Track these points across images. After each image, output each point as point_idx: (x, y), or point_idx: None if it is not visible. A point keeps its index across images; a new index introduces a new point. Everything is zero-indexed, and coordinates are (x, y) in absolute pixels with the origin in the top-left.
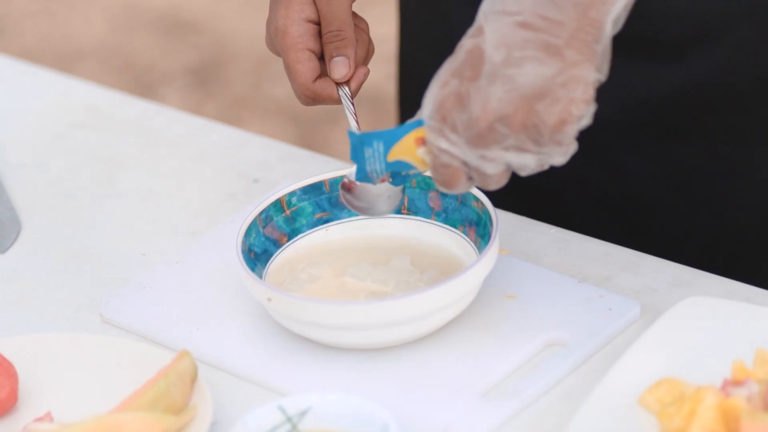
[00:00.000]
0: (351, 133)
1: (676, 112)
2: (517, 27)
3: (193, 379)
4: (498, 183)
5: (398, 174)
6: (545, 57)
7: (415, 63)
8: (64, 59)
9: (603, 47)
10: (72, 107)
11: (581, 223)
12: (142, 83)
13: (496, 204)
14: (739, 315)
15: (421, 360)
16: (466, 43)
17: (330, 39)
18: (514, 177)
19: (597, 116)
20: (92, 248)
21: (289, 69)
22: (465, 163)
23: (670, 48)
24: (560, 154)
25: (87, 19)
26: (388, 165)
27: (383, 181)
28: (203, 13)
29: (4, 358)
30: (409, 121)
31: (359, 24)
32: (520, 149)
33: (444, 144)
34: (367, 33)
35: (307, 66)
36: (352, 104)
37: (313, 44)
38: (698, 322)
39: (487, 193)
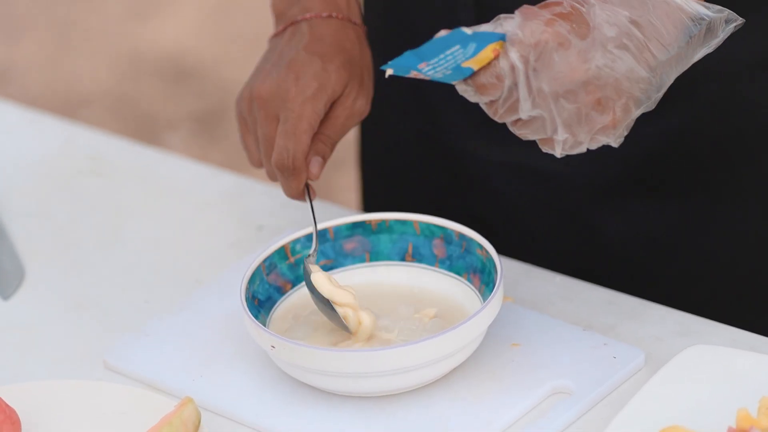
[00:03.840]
0: (461, 30)
1: (654, 168)
2: (628, 20)
3: (197, 426)
4: (503, 120)
5: (449, 78)
6: (642, 62)
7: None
8: (69, 106)
9: (664, 89)
10: (77, 155)
11: (586, 270)
12: (147, 130)
13: (501, 251)
14: (743, 363)
15: (425, 408)
16: (565, 1)
17: (325, 141)
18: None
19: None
20: (96, 296)
21: (296, 133)
22: (511, 90)
23: None
24: (574, 150)
25: (92, 66)
26: (456, 68)
27: (422, 77)
28: (208, 60)
29: (7, 405)
30: (492, 31)
31: None
32: (568, 123)
33: (520, 65)
34: None
35: (310, 140)
36: (312, 202)
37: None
38: (703, 370)
39: (492, 241)
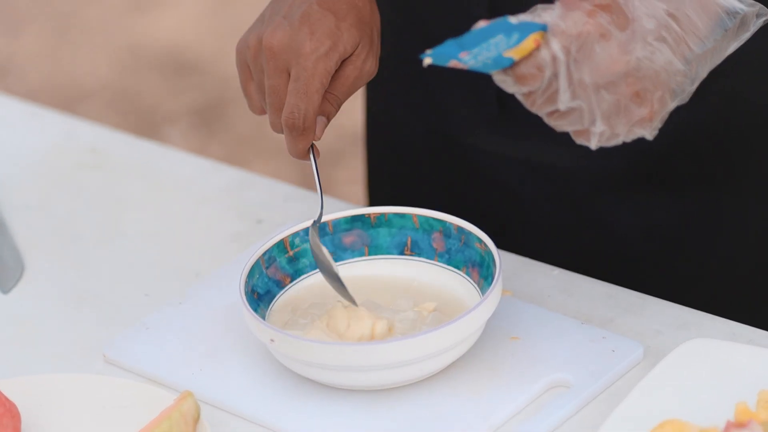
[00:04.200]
0: (506, 19)
1: (660, 164)
2: (666, 13)
3: (196, 420)
4: (539, 111)
5: (489, 68)
6: (679, 55)
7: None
8: (69, 100)
9: (698, 82)
10: (76, 148)
11: (585, 264)
12: (147, 124)
13: (499, 245)
14: (742, 357)
15: (424, 401)
16: None
17: (332, 101)
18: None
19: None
20: (96, 289)
21: (308, 92)
22: (551, 80)
23: None
24: (610, 142)
25: (92, 59)
26: (497, 58)
27: (461, 67)
28: (208, 54)
29: (7, 399)
30: (533, 21)
31: None
32: (608, 114)
33: (561, 56)
34: None
35: (320, 99)
36: (316, 161)
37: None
38: (701, 364)
39: (491, 234)
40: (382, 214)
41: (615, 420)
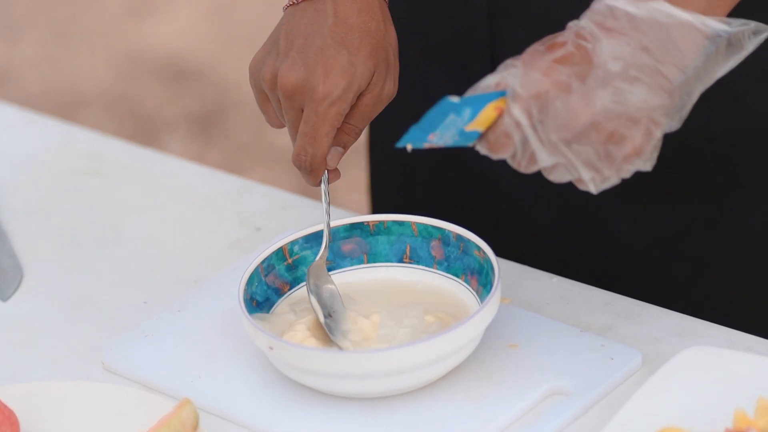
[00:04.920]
0: (447, 99)
1: (660, 172)
2: (639, 47)
3: (195, 427)
4: (528, 171)
5: (461, 143)
6: (657, 89)
7: None
8: (68, 106)
9: (690, 106)
10: (75, 155)
11: (584, 271)
12: (146, 131)
13: (498, 253)
14: (740, 364)
15: (423, 409)
16: (570, 40)
17: (349, 131)
18: (528, 226)
19: None
20: (94, 296)
21: (316, 136)
22: (524, 143)
23: None
24: (605, 184)
25: (91, 66)
26: (462, 134)
27: (436, 147)
28: (207, 60)
29: (5, 406)
30: (491, 91)
31: None
32: (588, 162)
33: (524, 120)
34: None
35: (331, 142)
36: (328, 194)
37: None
38: (700, 371)
39: (489, 242)
40: (381, 222)
41: (613, 428)
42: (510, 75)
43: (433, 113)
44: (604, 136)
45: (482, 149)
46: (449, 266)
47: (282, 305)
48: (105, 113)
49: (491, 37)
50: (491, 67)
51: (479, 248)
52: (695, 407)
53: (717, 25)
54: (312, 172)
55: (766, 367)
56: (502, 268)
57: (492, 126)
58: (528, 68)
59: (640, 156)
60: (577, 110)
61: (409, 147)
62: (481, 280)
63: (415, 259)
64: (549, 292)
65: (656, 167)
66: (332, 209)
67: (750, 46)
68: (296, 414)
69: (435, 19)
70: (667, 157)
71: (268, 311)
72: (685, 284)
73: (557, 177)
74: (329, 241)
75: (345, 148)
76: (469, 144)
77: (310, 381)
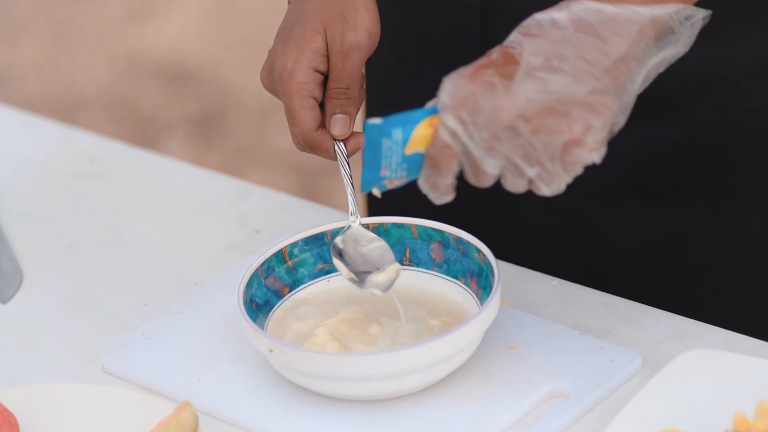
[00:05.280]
0: (368, 124)
1: (658, 173)
2: (561, 42)
3: (194, 429)
4: (483, 183)
5: (413, 172)
6: (581, 75)
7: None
8: (68, 108)
9: (629, 94)
10: (75, 157)
11: (583, 274)
12: (145, 133)
13: (498, 255)
14: (740, 367)
15: (422, 411)
16: (496, 50)
17: (337, 95)
18: (524, 229)
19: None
20: (94, 298)
21: (292, 113)
22: (466, 153)
23: (650, 110)
24: (555, 181)
25: (90, 68)
26: (405, 158)
27: (397, 183)
28: (206, 63)
29: (5, 408)
30: (424, 107)
31: (362, 82)
32: (528, 157)
33: (458, 127)
34: (363, 89)
35: (311, 114)
36: (348, 163)
37: (317, 93)
38: (700, 374)
39: (489, 245)
40: (381, 224)
41: (613, 430)
42: (441, 94)
43: (367, 146)
44: (532, 127)
45: (433, 189)
46: (449, 269)
47: (282, 307)
48: (105, 115)
49: (484, 37)
50: None
51: (479, 251)
52: (695, 410)
53: (643, 9)
54: (313, 148)
55: (765, 369)
56: (502, 270)
57: (430, 143)
58: (453, 79)
59: (581, 146)
60: (503, 104)
61: (375, 191)
62: (481, 282)
63: (414, 261)
64: (549, 295)
65: (655, 168)
66: (332, 211)
67: (685, 31)
68: (296, 416)
69: (428, 20)
70: (667, 159)
71: (267, 313)
72: (684, 286)
73: (511, 184)
74: (355, 211)
75: (347, 114)
76: (419, 174)
77: (309, 383)
